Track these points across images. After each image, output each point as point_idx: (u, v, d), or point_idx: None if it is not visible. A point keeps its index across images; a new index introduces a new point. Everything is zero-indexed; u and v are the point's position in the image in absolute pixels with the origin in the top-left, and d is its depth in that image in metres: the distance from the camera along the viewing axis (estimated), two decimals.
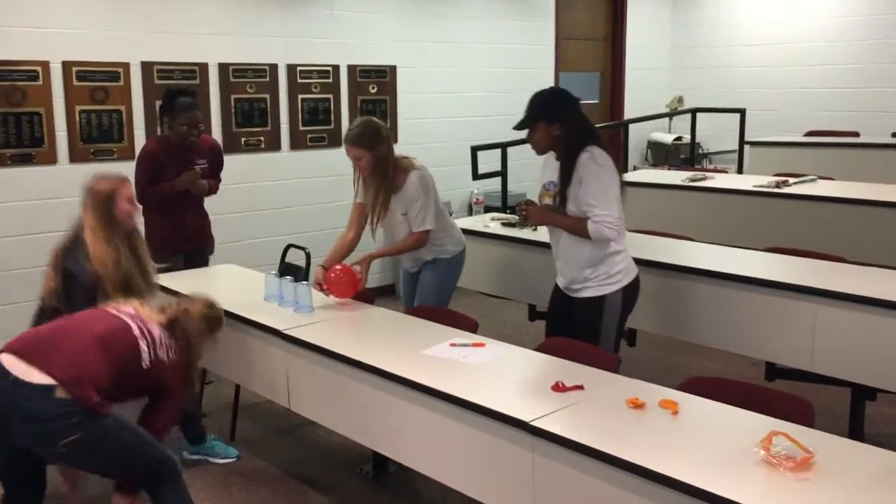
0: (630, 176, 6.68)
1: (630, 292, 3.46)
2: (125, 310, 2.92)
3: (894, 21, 7.35)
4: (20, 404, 2.56)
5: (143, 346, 2.81)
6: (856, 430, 3.47)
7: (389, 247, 4.05)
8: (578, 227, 3.32)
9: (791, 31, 7.99)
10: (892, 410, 4.17)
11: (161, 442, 2.83)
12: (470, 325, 3.39)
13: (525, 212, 3.50)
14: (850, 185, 5.39)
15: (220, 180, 4.84)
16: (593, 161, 3.26)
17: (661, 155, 8.58)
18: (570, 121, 3.36)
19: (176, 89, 4.47)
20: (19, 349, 2.66)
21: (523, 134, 3.50)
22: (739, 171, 7.33)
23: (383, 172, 3.82)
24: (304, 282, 3.65)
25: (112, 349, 2.73)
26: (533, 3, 7.58)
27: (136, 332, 2.83)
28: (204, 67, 5.64)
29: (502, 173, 6.52)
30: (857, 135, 7.04)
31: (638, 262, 3.93)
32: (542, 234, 4.02)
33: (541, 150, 3.48)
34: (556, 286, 3.59)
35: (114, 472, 2.81)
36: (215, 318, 3.17)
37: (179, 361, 2.93)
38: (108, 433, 2.64)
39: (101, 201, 3.32)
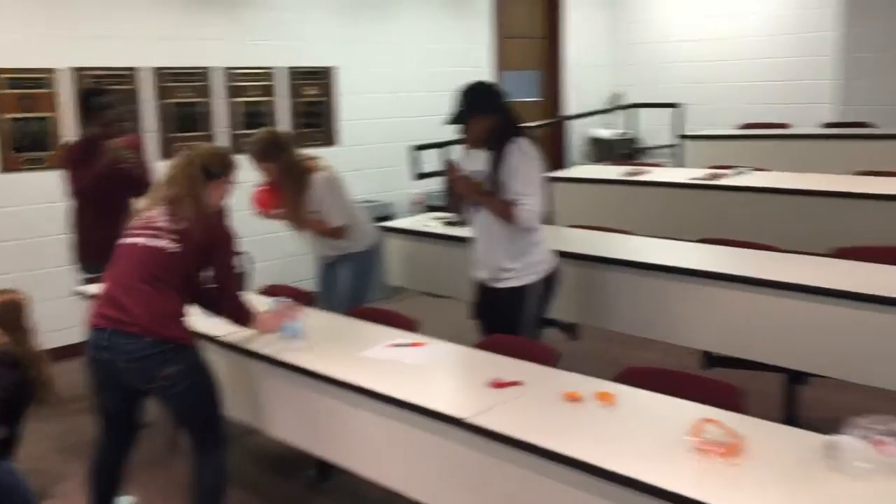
0: (568, 172, 6.76)
1: (550, 281, 3.52)
2: (134, 229, 2.93)
3: (821, 14, 7.55)
4: (122, 350, 2.81)
5: (159, 244, 2.85)
6: (789, 415, 3.56)
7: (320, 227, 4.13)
8: (503, 210, 3.35)
9: (722, 27, 8.16)
10: (829, 394, 4.26)
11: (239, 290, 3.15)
12: (409, 325, 3.38)
13: (454, 180, 3.46)
14: (781, 175, 5.51)
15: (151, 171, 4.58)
16: (522, 152, 3.33)
17: (604, 151, 8.68)
18: (504, 113, 3.41)
19: (89, 90, 4.35)
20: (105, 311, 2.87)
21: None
22: (677, 165, 7.45)
23: (294, 178, 4.00)
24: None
25: (155, 275, 2.84)
26: (471, 2, 7.60)
27: (145, 241, 2.87)
28: (137, 72, 5.53)
29: (444, 172, 6.52)
30: (787, 126, 7.21)
31: (576, 257, 3.98)
32: None
33: (478, 144, 3.46)
34: (478, 281, 3.60)
35: (192, 410, 3.00)
36: (218, 154, 3.19)
37: (200, 213, 2.97)
38: (195, 366, 2.93)
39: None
